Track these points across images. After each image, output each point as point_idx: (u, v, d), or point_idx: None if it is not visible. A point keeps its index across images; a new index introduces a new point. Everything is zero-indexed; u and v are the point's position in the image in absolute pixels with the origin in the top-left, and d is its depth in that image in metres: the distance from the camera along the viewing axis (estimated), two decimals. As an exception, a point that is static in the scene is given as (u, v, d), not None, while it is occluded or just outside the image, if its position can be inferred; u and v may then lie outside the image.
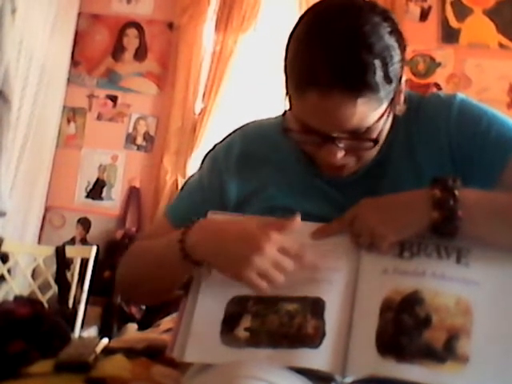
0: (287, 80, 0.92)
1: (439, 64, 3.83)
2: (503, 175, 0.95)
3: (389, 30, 0.89)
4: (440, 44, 3.85)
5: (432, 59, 3.83)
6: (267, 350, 0.82)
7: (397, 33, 0.91)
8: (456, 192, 0.87)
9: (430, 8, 3.89)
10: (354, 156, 0.95)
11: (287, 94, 0.93)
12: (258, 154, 1.07)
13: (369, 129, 0.90)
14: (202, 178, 1.10)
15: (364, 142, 0.92)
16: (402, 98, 0.98)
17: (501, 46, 3.80)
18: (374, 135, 0.92)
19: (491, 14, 3.83)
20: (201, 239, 0.91)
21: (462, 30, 3.85)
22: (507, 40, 3.79)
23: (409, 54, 3.80)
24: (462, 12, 3.86)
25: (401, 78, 0.94)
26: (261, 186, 1.04)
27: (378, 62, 0.86)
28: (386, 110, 0.92)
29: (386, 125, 0.94)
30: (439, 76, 3.81)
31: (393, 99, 0.93)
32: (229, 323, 0.86)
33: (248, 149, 1.08)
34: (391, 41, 0.89)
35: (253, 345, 0.83)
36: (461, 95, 1.02)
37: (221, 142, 1.14)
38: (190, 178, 1.16)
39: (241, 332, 0.85)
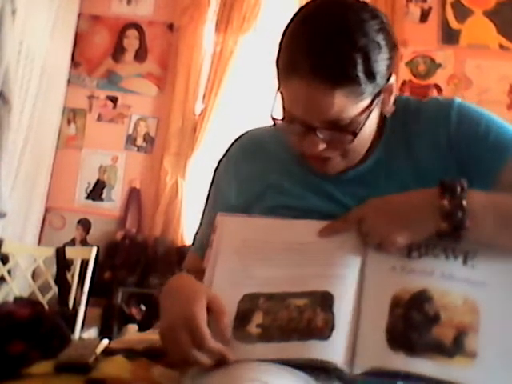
0: (277, 72, 0.96)
1: (439, 65, 3.83)
2: (502, 175, 0.96)
3: (376, 27, 0.91)
4: (440, 45, 3.86)
5: (432, 60, 3.84)
6: (278, 344, 0.84)
7: (385, 32, 0.92)
8: (464, 203, 0.89)
9: (430, 9, 3.89)
10: (337, 150, 0.96)
11: (278, 86, 0.97)
12: (256, 160, 1.10)
13: (349, 122, 0.92)
14: (211, 199, 1.15)
15: (344, 135, 0.93)
16: (392, 99, 0.99)
17: (501, 46, 3.81)
18: (355, 129, 0.93)
19: (491, 15, 3.83)
20: (166, 292, 0.95)
21: (462, 30, 3.85)
22: (507, 41, 3.80)
23: (409, 55, 3.83)
24: (463, 13, 3.86)
25: (389, 77, 0.95)
26: (262, 191, 1.07)
27: (359, 56, 0.88)
28: (369, 106, 0.93)
29: (370, 122, 0.95)
30: (439, 77, 3.81)
31: (377, 96, 0.94)
32: (241, 320, 0.88)
33: (246, 157, 1.12)
34: (377, 38, 0.90)
35: (264, 340, 0.84)
36: (458, 99, 1.04)
37: (222, 157, 1.17)
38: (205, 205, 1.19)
39: (253, 328, 0.86)
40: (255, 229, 1.00)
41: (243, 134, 1.17)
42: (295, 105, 0.93)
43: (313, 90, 0.89)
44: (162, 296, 0.93)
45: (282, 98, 0.96)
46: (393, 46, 0.94)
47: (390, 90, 0.98)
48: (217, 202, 1.13)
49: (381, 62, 0.91)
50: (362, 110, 0.92)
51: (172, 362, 0.90)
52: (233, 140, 1.17)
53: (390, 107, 1.00)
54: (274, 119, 0.97)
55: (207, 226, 1.08)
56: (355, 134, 0.93)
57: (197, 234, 1.17)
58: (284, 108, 0.96)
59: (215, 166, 1.18)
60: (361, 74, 0.88)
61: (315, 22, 0.91)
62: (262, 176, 1.08)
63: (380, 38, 0.91)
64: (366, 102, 0.92)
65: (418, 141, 1.02)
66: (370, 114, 0.93)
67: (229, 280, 0.93)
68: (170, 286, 0.95)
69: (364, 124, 0.93)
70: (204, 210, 1.17)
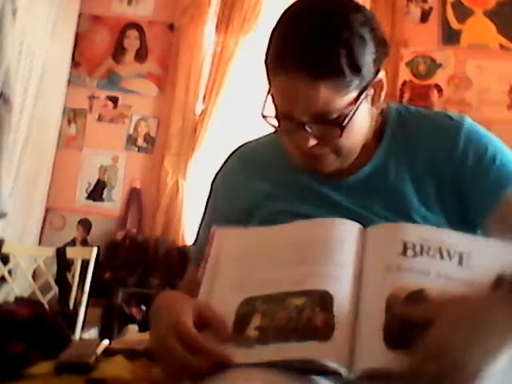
0: (266, 72, 0.97)
1: (440, 65, 3.83)
2: (499, 208, 0.93)
3: (360, 21, 0.92)
4: (441, 45, 3.86)
5: (433, 60, 3.84)
6: (276, 345, 0.82)
7: (370, 26, 0.93)
8: None
9: (430, 9, 3.89)
10: (328, 145, 0.97)
11: (269, 87, 0.98)
12: (252, 170, 1.11)
13: (338, 116, 0.93)
14: (209, 211, 1.15)
15: (332, 128, 0.94)
16: (383, 95, 0.99)
17: (501, 47, 3.81)
18: (342, 122, 0.93)
19: (492, 15, 3.83)
20: (153, 309, 0.93)
21: (462, 31, 3.86)
22: (507, 41, 3.80)
23: (409, 55, 3.83)
24: (463, 13, 3.86)
25: (377, 72, 0.95)
26: (260, 199, 1.07)
27: (343, 48, 0.89)
28: (356, 99, 0.93)
29: (360, 116, 0.95)
30: (440, 77, 3.81)
31: (365, 89, 0.94)
32: (239, 325, 0.86)
33: (242, 168, 1.13)
34: (361, 31, 0.91)
35: (262, 342, 0.84)
36: (468, 119, 1.04)
37: (218, 170, 1.18)
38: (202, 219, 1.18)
39: (251, 332, 0.85)
40: (251, 238, 0.99)
41: (239, 147, 1.18)
42: (283, 101, 0.94)
43: (298, 84, 0.90)
44: (150, 315, 0.92)
45: (273, 98, 0.97)
46: (379, 41, 0.94)
47: (380, 86, 0.98)
48: (215, 214, 1.13)
49: (366, 56, 0.91)
50: (349, 103, 0.93)
51: (170, 375, 0.86)
52: (229, 153, 1.18)
53: (380, 103, 1.00)
54: (264, 117, 0.99)
55: (206, 239, 1.08)
56: (343, 127, 0.93)
57: (195, 246, 1.16)
58: (276, 109, 0.97)
59: (212, 178, 1.18)
60: (345, 67, 0.89)
61: (299, 19, 0.93)
62: (259, 185, 1.08)
63: (364, 32, 0.91)
64: (352, 95, 0.93)
65: (419, 151, 1.02)
66: (357, 107, 0.94)
67: (230, 290, 0.92)
68: (156, 304, 0.93)
69: (351, 117, 0.93)
70: (201, 222, 1.16)
